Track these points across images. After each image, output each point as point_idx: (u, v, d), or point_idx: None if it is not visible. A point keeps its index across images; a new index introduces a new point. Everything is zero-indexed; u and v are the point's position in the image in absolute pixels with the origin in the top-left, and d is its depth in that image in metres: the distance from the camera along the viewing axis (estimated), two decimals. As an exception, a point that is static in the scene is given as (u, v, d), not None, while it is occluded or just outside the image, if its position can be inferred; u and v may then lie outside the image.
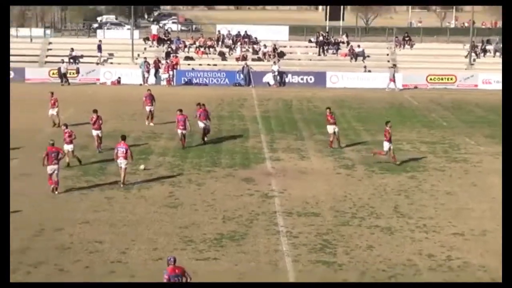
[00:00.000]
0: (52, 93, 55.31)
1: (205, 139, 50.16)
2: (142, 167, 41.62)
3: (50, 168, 38.60)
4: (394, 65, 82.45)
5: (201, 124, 49.90)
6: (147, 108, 56.05)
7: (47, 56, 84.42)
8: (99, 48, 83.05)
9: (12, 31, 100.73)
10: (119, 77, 79.91)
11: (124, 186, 39.65)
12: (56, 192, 38.54)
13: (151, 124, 55.41)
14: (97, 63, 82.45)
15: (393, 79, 78.35)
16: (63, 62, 79.67)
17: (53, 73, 79.51)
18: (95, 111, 47.33)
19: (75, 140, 43.66)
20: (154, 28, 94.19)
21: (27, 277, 27.89)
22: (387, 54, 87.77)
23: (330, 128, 49.32)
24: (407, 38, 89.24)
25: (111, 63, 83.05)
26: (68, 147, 42.87)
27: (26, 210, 35.85)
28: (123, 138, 40.64)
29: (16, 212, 35.19)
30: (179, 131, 48.28)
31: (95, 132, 47.07)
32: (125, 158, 39.73)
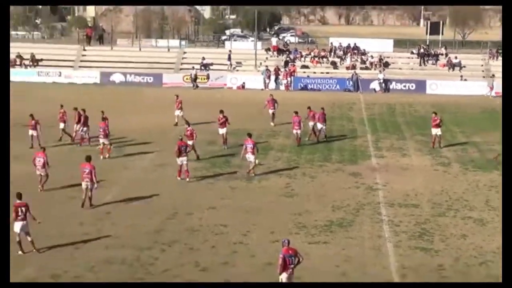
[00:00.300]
0: (177, 96, 55.82)
1: (319, 139, 49.98)
2: (257, 161, 41.75)
3: (179, 160, 39.10)
4: (493, 75, 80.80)
5: (319, 126, 49.72)
6: (270, 111, 56.14)
7: (181, 63, 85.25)
8: (229, 57, 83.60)
9: (152, 42, 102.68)
10: (244, 83, 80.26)
11: (250, 176, 39.92)
12: (187, 180, 38.98)
13: (272, 124, 55.46)
14: (227, 70, 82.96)
15: (492, 87, 77.07)
16: (193, 68, 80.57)
17: (186, 79, 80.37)
18: (221, 111, 47.65)
19: (196, 137, 43.82)
20: (274, 40, 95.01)
21: (161, 254, 28.29)
22: (482, 65, 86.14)
23: (434, 131, 48.69)
24: (500, 51, 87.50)
25: (237, 70, 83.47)
26: (190, 142, 42.93)
27: (161, 196, 36.34)
28: (250, 135, 40.85)
29: (153, 197, 35.82)
30: (295, 131, 48.26)
31: (221, 131, 47.32)
32: (253, 153, 39.92)
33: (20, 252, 27.78)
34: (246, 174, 40.15)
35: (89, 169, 33.83)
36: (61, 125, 47.87)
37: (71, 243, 29.29)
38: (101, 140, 43.87)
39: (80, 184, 34.45)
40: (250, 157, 40.09)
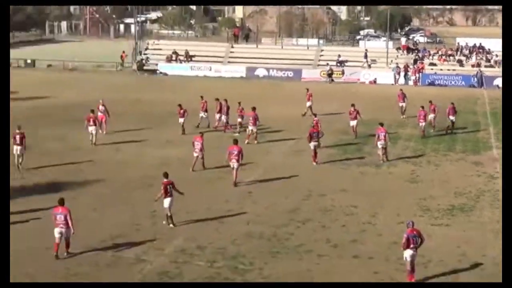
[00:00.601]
0: (308, 89, 55.81)
1: (448, 131, 49.08)
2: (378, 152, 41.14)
3: (312, 145, 39.35)
4: None
5: (451, 118, 48.90)
6: (400, 104, 55.45)
7: (319, 60, 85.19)
8: (365, 55, 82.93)
9: (293, 40, 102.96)
10: (375, 78, 79.58)
11: (380, 163, 39.62)
12: (314, 163, 39.18)
13: (403, 116, 54.68)
14: (363, 67, 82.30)
15: None
16: (327, 65, 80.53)
17: (323, 74, 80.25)
18: (353, 105, 47.30)
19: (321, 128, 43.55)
20: (403, 40, 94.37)
21: (296, 230, 28.43)
22: None
23: None
24: None
25: (370, 66, 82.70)
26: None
27: (298, 178, 36.50)
28: (381, 124, 40.58)
29: (290, 180, 36.03)
30: (420, 124, 47.52)
31: (352, 123, 46.97)
32: (385, 140, 39.66)
33: (171, 225, 28.39)
34: (382, 159, 40.01)
35: (237, 150, 34.68)
36: (201, 114, 48.84)
37: (217, 218, 29.79)
38: (250, 127, 44.58)
39: (228, 166, 35.26)
40: (381, 144, 39.82)
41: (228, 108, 48.02)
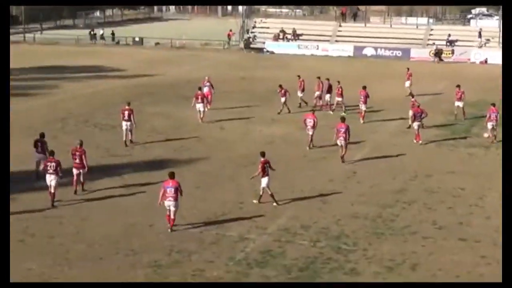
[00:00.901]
0: (408, 69, 54.99)
1: None
2: (485, 135, 40.05)
3: (415, 125, 39.18)
4: None
5: None
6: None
7: (428, 39, 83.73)
8: (480, 34, 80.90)
9: (402, 19, 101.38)
10: (486, 58, 77.71)
11: (495, 143, 38.82)
12: (415, 141, 38.95)
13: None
14: (479, 47, 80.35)
15: None
16: (434, 44, 79.23)
17: (431, 53, 78.90)
18: (458, 86, 46.05)
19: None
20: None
21: (402, 211, 28.08)
22: None
23: None
24: None
25: (484, 46, 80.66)
26: (411, 112, 41.97)
27: (404, 159, 36.04)
28: (493, 105, 39.65)
29: (396, 160, 35.64)
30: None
31: (457, 103, 45.85)
32: (496, 120, 38.80)
33: (274, 204, 28.41)
34: (492, 140, 39.29)
35: (345, 128, 34.77)
36: (299, 93, 48.56)
37: (321, 197, 29.66)
38: (361, 106, 44.50)
39: (334, 145, 35.36)
40: (493, 123, 39.02)
41: (329, 86, 47.74)
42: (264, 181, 28.36)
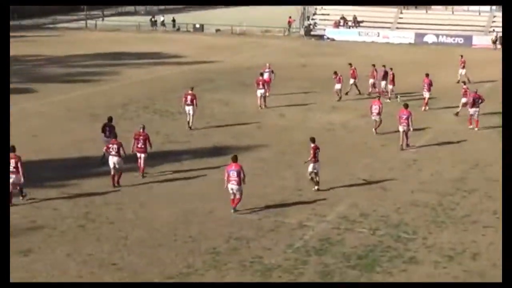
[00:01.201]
0: (462, 56, 53.96)
1: None
2: None
3: (472, 111, 38.91)
4: None
5: None
6: None
7: (491, 27, 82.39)
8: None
9: (464, 6, 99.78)
10: (551, 45, 76.25)
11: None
12: (474, 128, 38.77)
13: None
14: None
15: None
16: (493, 31, 77.95)
17: (492, 41, 77.69)
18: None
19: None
20: None
21: (462, 200, 27.69)
22: None
23: None
24: None
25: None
26: (463, 100, 41.50)
27: (465, 147, 35.60)
28: None
29: (457, 148, 35.19)
30: None
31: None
32: None
33: (315, 187, 28.50)
34: None
35: (407, 115, 34.66)
36: (351, 81, 48.06)
37: (380, 185, 29.44)
38: (424, 94, 44.27)
39: (395, 131, 35.33)
40: None
41: (385, 73, 47.13)
42: (313, 166, 28.39)
